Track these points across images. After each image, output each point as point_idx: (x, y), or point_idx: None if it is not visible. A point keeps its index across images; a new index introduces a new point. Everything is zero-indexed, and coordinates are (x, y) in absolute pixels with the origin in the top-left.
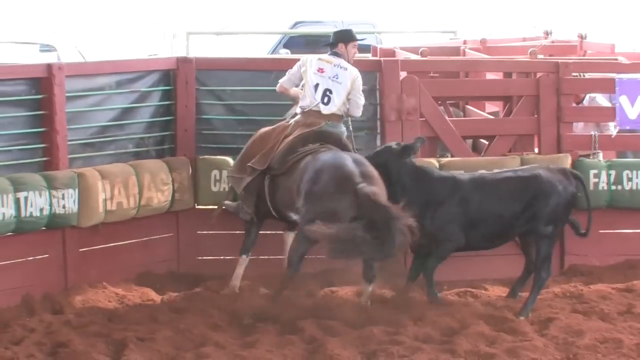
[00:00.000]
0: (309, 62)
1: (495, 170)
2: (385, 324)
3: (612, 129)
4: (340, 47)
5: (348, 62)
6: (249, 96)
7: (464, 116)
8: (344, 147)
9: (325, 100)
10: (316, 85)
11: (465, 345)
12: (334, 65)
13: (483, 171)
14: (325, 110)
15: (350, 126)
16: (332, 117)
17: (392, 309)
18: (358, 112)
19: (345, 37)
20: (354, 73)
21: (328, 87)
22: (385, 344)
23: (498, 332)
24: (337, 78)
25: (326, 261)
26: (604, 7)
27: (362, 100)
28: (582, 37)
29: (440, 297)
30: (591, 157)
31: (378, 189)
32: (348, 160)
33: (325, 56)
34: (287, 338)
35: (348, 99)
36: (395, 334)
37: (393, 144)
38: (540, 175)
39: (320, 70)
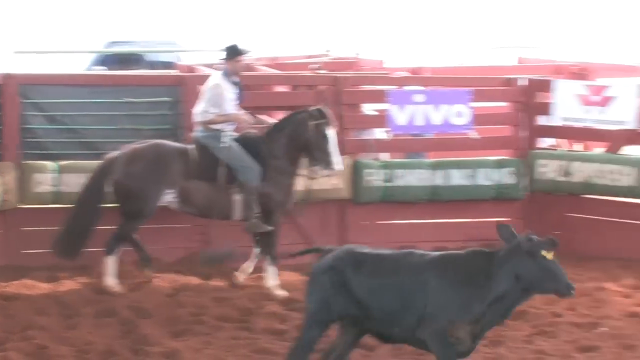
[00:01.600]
0: None
1: None
2: (191, 306)
3: (379, 134)
4: (228, 63)
5: (236, 75)
6: (68, 108)
7: None
8: (202, 148)
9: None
10: None
11: (261, 323)
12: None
13: None
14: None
15: (217, 137)
16: (196, 123)
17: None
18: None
19: (229, 54)
20: (207, 84)
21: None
22: (190, 323)
23: (289, 311)
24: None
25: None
26: (375, 29)
27: (195, 107)
28: (357, 55)
29: None
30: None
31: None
32: (140, 144)
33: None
34: (104, 320)
35: None
36: (200, 315)
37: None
38: None
39: None
